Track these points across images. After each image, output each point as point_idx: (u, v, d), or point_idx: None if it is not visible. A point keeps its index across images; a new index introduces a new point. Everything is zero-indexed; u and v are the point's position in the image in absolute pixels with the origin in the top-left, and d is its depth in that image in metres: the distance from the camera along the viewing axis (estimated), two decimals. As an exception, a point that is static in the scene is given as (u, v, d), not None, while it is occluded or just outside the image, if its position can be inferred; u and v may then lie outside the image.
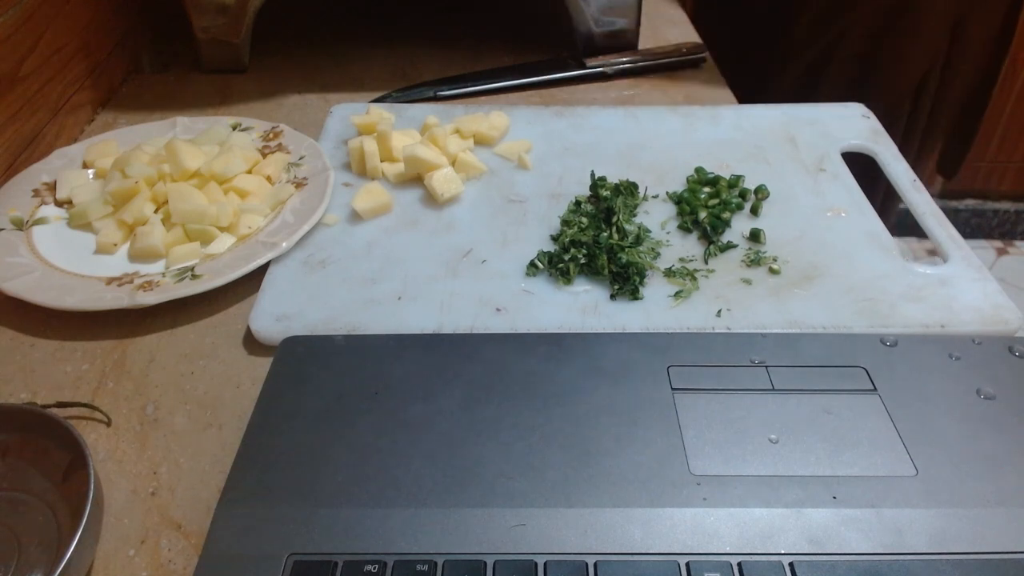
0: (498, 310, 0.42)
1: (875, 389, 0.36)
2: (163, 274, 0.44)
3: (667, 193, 0.51)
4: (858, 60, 0.78)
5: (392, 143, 0.53)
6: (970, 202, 1.62)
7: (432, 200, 0.50)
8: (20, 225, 0.48)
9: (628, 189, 0.50)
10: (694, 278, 0.43)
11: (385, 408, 0.36)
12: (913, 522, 0.31)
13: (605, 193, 0.49)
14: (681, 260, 0.45)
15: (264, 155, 0.53)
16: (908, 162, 0.53)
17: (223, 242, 0.46)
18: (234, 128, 0.56)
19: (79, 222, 0.48)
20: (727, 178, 0.51)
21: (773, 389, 0.36)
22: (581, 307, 0.42)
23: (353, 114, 0.58)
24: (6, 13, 0.52)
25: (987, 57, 0.79)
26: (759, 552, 0.30)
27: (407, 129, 0.56)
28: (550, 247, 0.46)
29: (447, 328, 0.41)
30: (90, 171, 0.53)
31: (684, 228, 0.48)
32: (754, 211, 0.49)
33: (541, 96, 0.65)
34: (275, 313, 0.42)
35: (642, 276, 0.43)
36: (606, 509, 0.31)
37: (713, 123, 0.58)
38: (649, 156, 0.54)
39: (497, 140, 0.56)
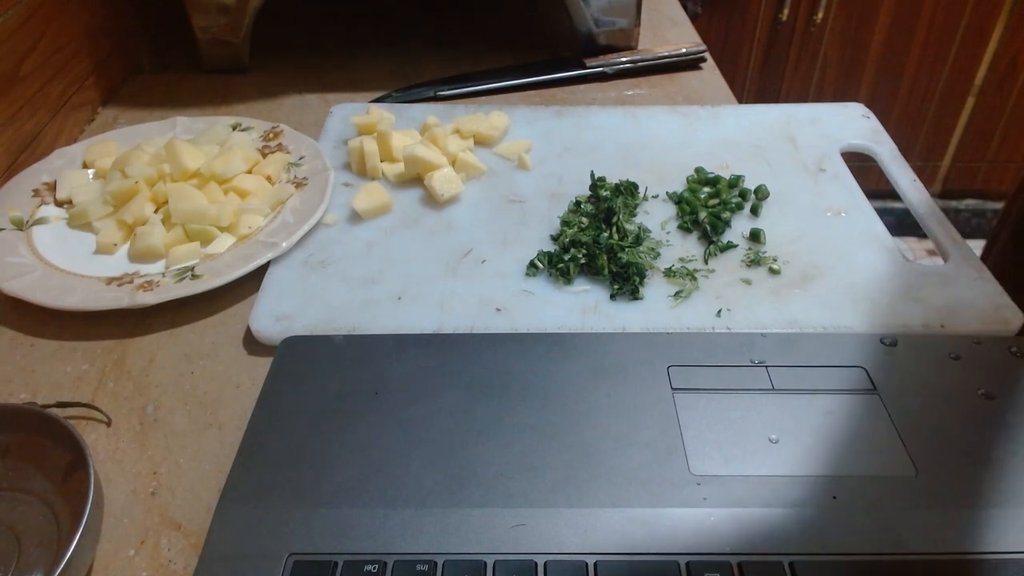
0: (498, 310, 0.42)
1: (875, 389, 0.36)
2: (163, 274, 0.44)
3: (667, 193, 0.51)
4: None
5: (392, 143, 0.53)
6: (970, 202, 1.62)
7: (432, 200, 0.50)
8: (20, 225, 0.48)
9: (628, 189, 0.50)
10: (694, 278, 0.43)
11: (385, 408, 0.36)
12: (913, 522, 0.31)
13: (605, 193, 0.49)
14: (681, 260, 0.45)
15: (264, 155, 0.53)
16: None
17: (223, 242, 0.46)
18: (234, 128, 0.56)
19: (79, 222, 0.48)
20: (727, 178, 0.51)
21: (773, 389, 0.36)
22: (581, 307, 0.42)
23: (353, 114, 0.58)
24: (6, 13, 0.52)
25: None
26: (759, 552, 0.30)
27: (407, 129, 0.56)
28: (550, 247, 0.46)
29: (447, 328, 0.41)
30: (90, 171, 0.53)
31: (684, 228, 0.48)
32: (754, 211, 0.49)
33: (541, 96, 0.65)
34: (275, 313, 0.42)
35: (642, 276, 0.43)
36: (606, 509, 0.31)
37: (713, 123, 0.58)
38: (649, 156, 0.54)
39: (497, 140, 0.56)
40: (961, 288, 0.43)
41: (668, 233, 0.48)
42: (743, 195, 0.50)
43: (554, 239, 0.47)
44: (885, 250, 0.46)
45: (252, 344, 0.42)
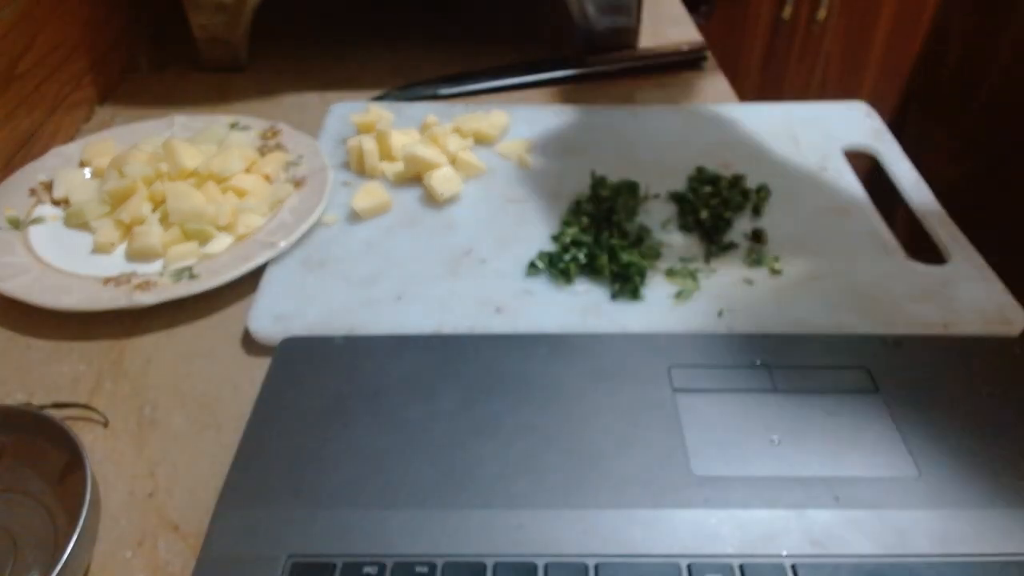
0: (498, 310, 0.42)
1: (877, 390, 0.36)
2: (161, 274, 0.44)
3: (668, 192, 0.50)
4: None
5: (391, 142, 0.52)
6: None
7: (432, 199, 0.50)
8: (17, 225, 0.47)
9: (629, 188, 0.50)
10: (695, 278, 0.43)
11: (384, 409, 0.35)
12: (915, 523, 0.31)
13: (605, 193, 0.49)
14: (682, 260, 0.45)
15: (262, 154, 0.53)
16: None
17: (221, 242, 0.46)
18: (232, 127, 0.56)
19: (76, 221, 0.48)
20: (728, 177, 0.51)
21: (775, 390, 0.36)
22: (582, 307, 0.42)
23: (352, 113, 0.57)
24: (2, 11, 0.52)
25: None
26: (761, 554, 0.30)
27: (406, 128, 0.56)
28: (550, 247, 0.46)
29: (447, 328, 0.41)
30: (87, 170, 0.52)
31: (685, 228, 0.47)
32: (756, 210, 0.49)
33: (541, 95, 0.64)
34: (273, 313, 0.42)
35: (643, 276, 0.43)
36: (607, 510, 0.31)
37: (714, 122, 0.57)
38: (650, 155, 0.54)
39: (497, 139, 0.56)
40: (964, 288, 0.42)
41: (669, 233, 0.47)
42: (744, 194, 0.49)
43: (554, 239, 0.47)
44: (887, 250, 0.45)
45: (250, 344, 0.42)
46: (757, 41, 1.40)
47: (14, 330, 0.43)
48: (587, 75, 0.66)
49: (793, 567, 0.29)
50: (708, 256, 0.45)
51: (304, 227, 0.46)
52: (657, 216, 0.49)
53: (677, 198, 0.50)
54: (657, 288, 0.43)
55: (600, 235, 0.45)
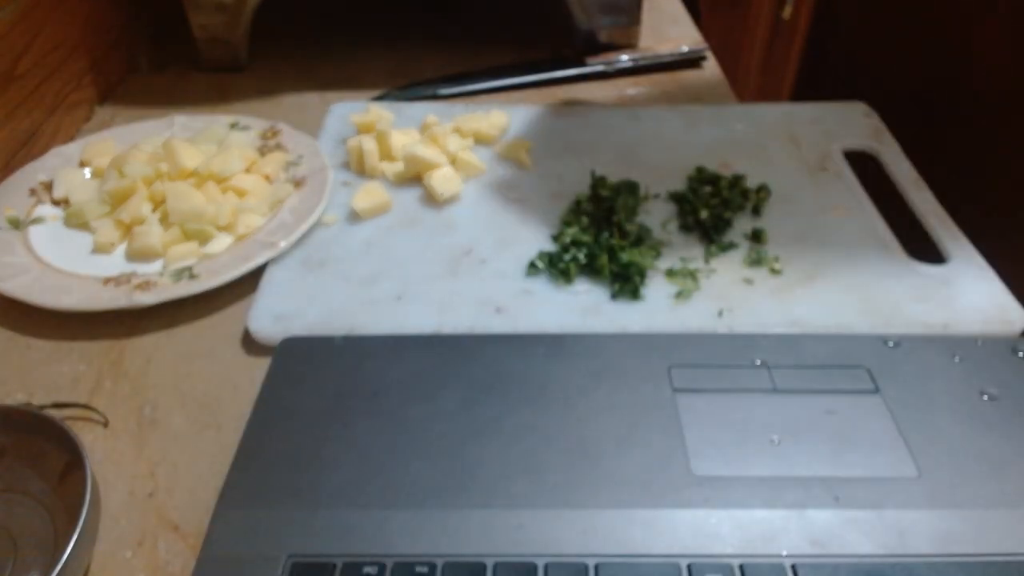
0: (498, 310, 0.42)
1: (877, 390, 0.36)
2: (161, 274, 0.44)
3: (668, 192, 0.50)
4: None
5: (391, 142, 0.52)
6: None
7: (432, 199, 0.50)
8: (17, 225, 0.47)
9: (629, 188, 0.50)
10: (695, 278, 0.43)
11: (384, 409, 0.35)
12: (915, 523, 0.31)
13: (605, 192, 0.49)
14: (682, 260, 0.45)
15: (262, 154, 0.53)
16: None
17: (221, 242, 0.46)
18: (232, 127, 0.56)
19: (76, 221, 0.48)
20: (728, 177, 0.51)
21: (775, 390, 0.36)
22: (582, 307, 0.42)
23: (352, 113, 0.57)
24: (2, 11, 0.52)
25: None
26: (761, 554, 0.30)
27: (406, 128, 0.56)
28: (550, 247, 0.46)
29: (447, 328, 0.41)
30: (87, 170, 0.52)
31: (685, 228, 0.47)
32: (756, 211, 0.49)
33: (541, 95, 0.64)
34: (273, 313, 0.42)
35: (643, 276, 0.43)
36: (607, 510, 0.31)
37: (714, 122, 0.57)
38: (650, 155, 0.54)
39: (497, 139, 0.56)
40: (963, 288, 0.42)
41: (669, 233, 0.47)
42: (744, 194, 0.49)
43: (554, 239, 0.47)
44: (887, 250, 0.45)
45: (250, 344, 0.42)
46: (757, 41, 1.40)
47: (14, 330, 0.43)
48: (587, 75, 0.66)
49: (793, 567, 0.29)
50: (708, 256, 0.45)
51: (304, 227, 0.46)
52: (657, 216, 0.49)
53: (677, 198, 0.50)
54: (657, 288, 0.43)
55: (600, 235, 0.45)
